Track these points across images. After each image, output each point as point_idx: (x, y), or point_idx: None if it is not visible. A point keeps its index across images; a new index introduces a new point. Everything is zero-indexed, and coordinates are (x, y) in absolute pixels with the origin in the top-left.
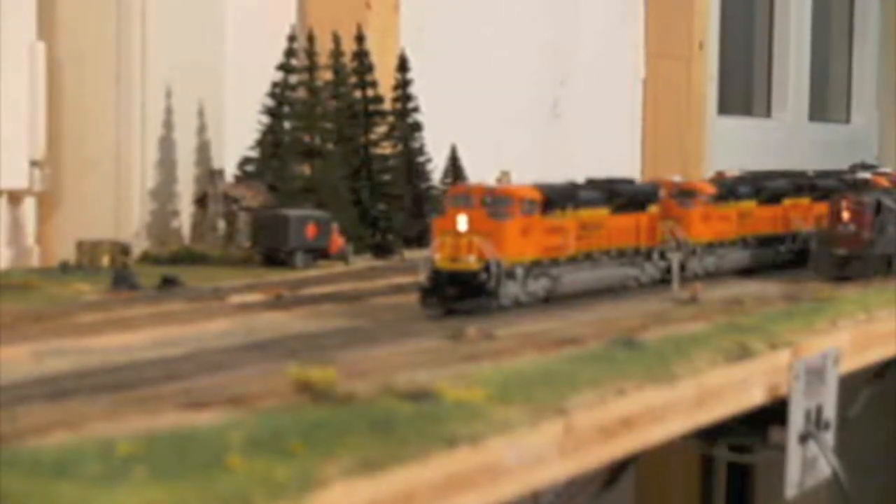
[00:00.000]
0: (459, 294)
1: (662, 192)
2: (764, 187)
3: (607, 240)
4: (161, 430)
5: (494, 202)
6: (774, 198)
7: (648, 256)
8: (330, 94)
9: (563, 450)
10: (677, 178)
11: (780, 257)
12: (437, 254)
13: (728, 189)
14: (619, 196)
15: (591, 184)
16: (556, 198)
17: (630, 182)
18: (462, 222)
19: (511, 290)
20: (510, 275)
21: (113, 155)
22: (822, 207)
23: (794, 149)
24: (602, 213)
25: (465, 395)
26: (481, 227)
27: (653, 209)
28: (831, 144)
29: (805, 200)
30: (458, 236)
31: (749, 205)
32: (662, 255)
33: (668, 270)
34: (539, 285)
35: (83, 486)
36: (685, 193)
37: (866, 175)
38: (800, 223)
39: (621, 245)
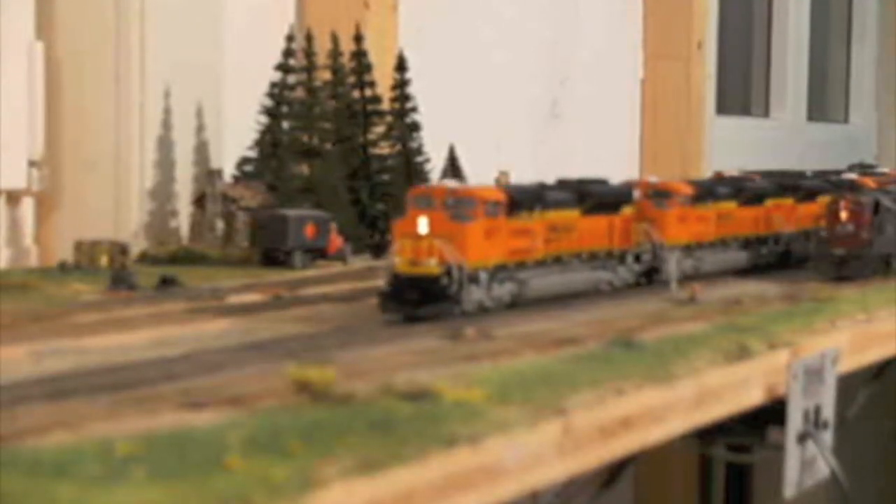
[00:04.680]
0: (420, 299)
1: (637, 193)
2: (744, 188)
3: (578, 242)
4: (160, 431)
5: (456, 204)
6: (756, 198)
7: (622, 259)
8: (328, 94)
9: (562, 450)
10: (653, 179)
11: (762, 259)
12: (396, 257)
13: (706, 189)
14: (590, 197)
15: (562, 184)
16: (523, 199)
17: (602, 182)
18: (422, 224)
19: (475, 294)
20: (473, 279)
21: (111, 155)
22: (807, 208)
23: (792, 149)
24: (572, 214)
25: (464, 396)
26: (443, 230)
27: (626, 210)
28: (830, 144)
29: (789, 201)
30: (419, 239)
31: (729, 205)
32: (637, 258)
33: (643, 274)
34: (505, 290)
35: (82, 486)
36: (661, 194)
37: (852, 176)
38: (783, 224)
39: (593, 248)
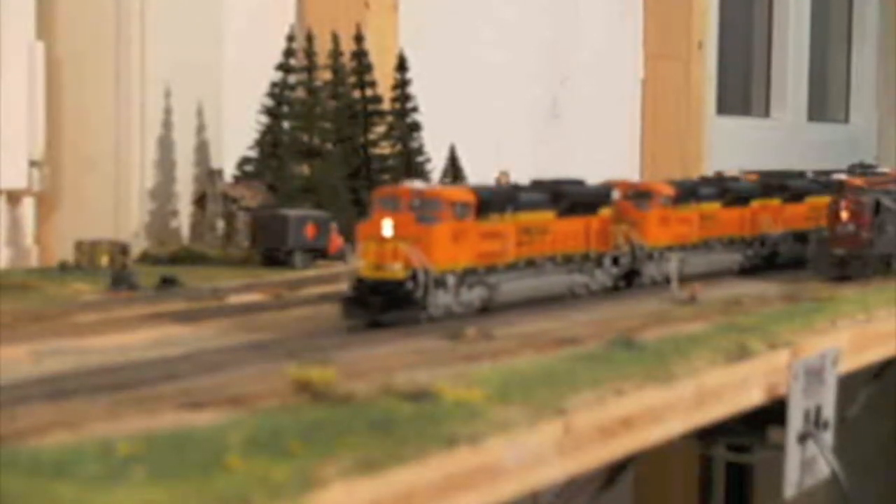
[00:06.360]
0: (384, 305)
1: (617, 194)
2: (729, 188)
3: (552, 245)
4: (160, 431)
5: (422, 205)
6: (741, 199)
7: (599, 262)
8: (329, 94)
9: (562, 450)
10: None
11: (748, 261)
12: (360, 261)
13: (688, 190)
14: (565, 198)
15: (536, 185)
16: (493, 200)
17: (579, 183)
18: (387, 227)
19: (441, 299)
20: (440, 283)
21: (112, 155)
22: (795, 209)
23: (792, 149)
24: (547, 216)
25: (464, 395)
26: (408, 233)
27: (604, 212)
28: (830, 144)
29: (775, 202)
30: (383, 242)
31: (712, 206)
32: (615, 261)
33: (622, 277)
34: (474, 294)
35: (82, 487)
36: (641, 195)
37: (841, 176)
38: (769, 226)
39: (568, 250)
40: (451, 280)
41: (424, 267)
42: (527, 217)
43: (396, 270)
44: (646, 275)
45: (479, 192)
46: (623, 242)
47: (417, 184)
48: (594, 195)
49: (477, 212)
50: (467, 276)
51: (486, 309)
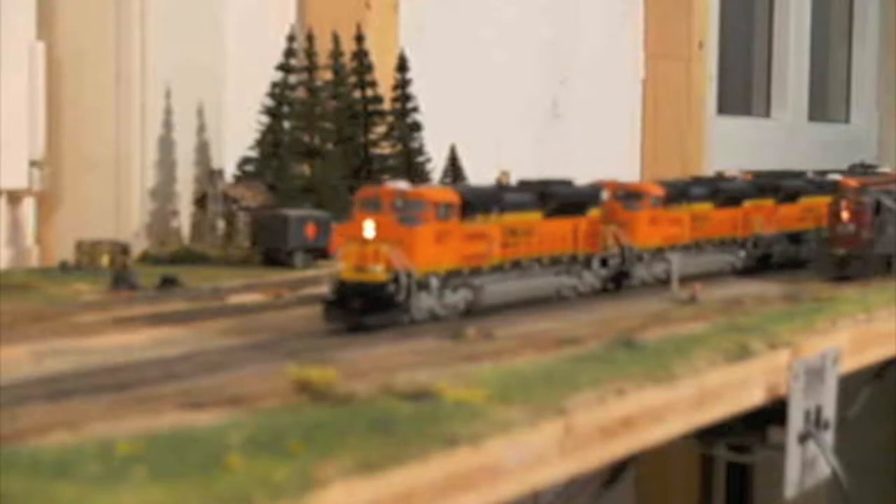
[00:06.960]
0: (366, 307)
1: (606, 194)
2: (721, 188)
3: (539, 246)
4: (161, 431)
5: (405, 206)
6: (734, 200)
7: (587, 264)
8: (329, 94)
9: (563, 450)
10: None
11: (740, 262)
12: (342, 263)
13: (679, 191)
14: (553, 199)
15: (523, 186)
16: (477, 201)
17: (567, 184)
18: (368, 228)
19: (424, 302)
20: (423, 286)
21: (112, 155)
22: (788, 209)
23: (793, 149)
24: (533, 217)
25: (464, 395)
26: (390, 234)
27: (593, 212)
28: (831, 144)
29: (769, 202)
30: (365, 244)
31: (704, 207)
32: (604, 263)
33: (611, 279)
34: (458, 297)
35: (83, 487)
36: (631, 195)
37: (836, 176)
38: (762, 226)
39: (556, 252)
40: (434, 282)
41: (406, 269)
42: (512, 218)
43: (378, 272)
44: (635, 276)
45: (463, 192)
46: (612, 243)
47: (400, 184)
48: (582, 195)
49: (461, 213)
50: (451, 279)
51: (471, 311)
